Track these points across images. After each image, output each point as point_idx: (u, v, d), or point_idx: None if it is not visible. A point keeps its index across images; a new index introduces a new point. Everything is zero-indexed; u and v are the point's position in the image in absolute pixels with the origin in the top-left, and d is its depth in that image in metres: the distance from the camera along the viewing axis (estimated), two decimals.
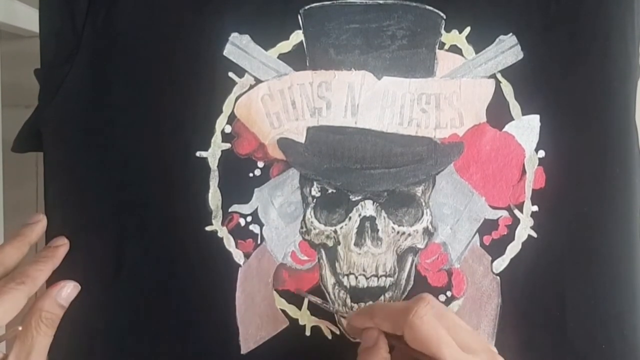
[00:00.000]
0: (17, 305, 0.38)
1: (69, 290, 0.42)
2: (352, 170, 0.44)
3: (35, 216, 0.43)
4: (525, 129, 0.44)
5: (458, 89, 0.44)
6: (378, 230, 0.44)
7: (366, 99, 0.44)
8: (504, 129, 0.44)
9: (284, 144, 0.44)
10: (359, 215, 0.44)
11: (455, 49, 0.44)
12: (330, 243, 0.44)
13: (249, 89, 0.44)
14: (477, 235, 0.44)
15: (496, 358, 0.37)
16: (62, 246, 0.43)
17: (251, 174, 0.44)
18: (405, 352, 0.38)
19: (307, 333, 0.44)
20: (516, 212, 0.44)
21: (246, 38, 0.44)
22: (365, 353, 0.39)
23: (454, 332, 0.36)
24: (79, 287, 0.42)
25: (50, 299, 0.41)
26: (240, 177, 0.44)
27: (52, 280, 0.43)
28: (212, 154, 0.44)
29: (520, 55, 0.44)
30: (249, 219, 0.44)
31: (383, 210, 0.44)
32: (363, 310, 0.41)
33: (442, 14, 0.44)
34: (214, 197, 0.44)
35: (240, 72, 0.44)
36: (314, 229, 0.44)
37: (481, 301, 0.44)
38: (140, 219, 0.44)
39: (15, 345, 0.39)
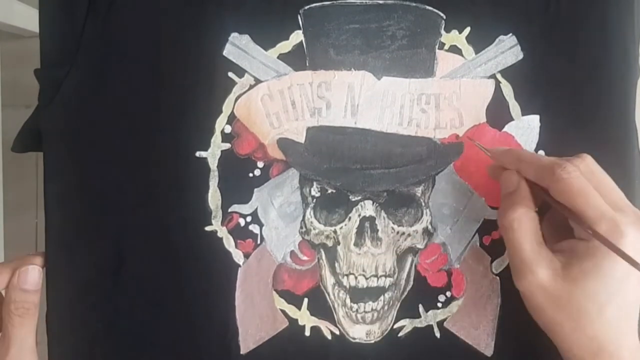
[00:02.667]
0: None
1: (31, 274, 0.41)
2: (351, 170, 0.44)
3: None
4: (525, 129, 0.44)
5: (458, 89, 0.44)
6: (378, 230, 0.44)
7: (366, 99, 0.44)
8: (503, 129, 0.44)
9: (284, 144, 0.44)
10: (359, 215, 0.44)
11: (455, 49, 0.44)
12: (329, 243, 0.44)
13: (248, 89, 0.44)
14: (476, 235, 0.44)
15: None
16: (34, 258, 0.42)
17: (251, 174, 0.44)
18: (546, 202, 0.38)
19: (307, 333, 0.44)
20: None
21: (246, 38, 0.44)
22: (509, 197, 0.39)
23: (604, 190, 0.36)
24: (40, 269, 0.42)
25: (14, 288, 0.40)
26: (240, 177, 0.44)
27: (54, 276, 0.43)
28: (212, 154, 0.44)
29: (520, 56, 0.44)
30: (248, 219, 0.44)
31: (383, 211, 0.44)
32: (510, 150, 0.41)
33: (442, 14, 0.44)
34: (214, 197, 0.44)
35: (240, 72, 0.44)
36: (314, 229, 0.44)
37: (481, 301, 0.44)
38: (140, 219, 0.44)
39: None
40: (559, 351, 0.37)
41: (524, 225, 0.37)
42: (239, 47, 0.44)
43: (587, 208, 0.35)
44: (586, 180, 0.36)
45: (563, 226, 0.39)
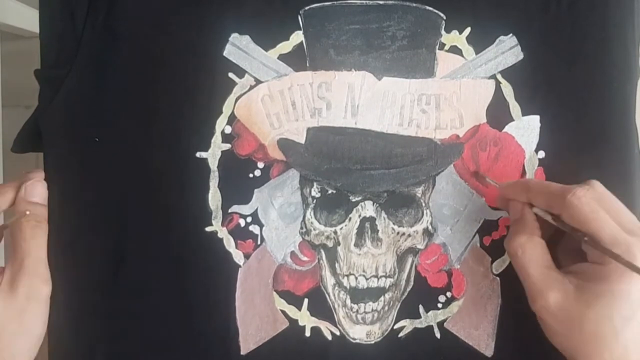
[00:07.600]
0: None
1: (37, 186, 0.42)
2: (352, 170, 0.44)
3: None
4: (525, 129, 0.44)
5: (458, 90, 0.44)
6: (378, 230, 0.44)
7: (366, 100, 0.44)
8: (504, 130, 0.44)
9: (284, 144, 0.44)
10: (359, 215, 0.44)
11: (455, 50, 0.44)
12: (330, 244, 0.44)
13: (249, 90, 0.44)
14: (477, 235, 0.44)
15: None
16: (36, 174, 0.43)
17: (251, 175, 0.44)
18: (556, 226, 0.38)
19: (307, 334, 0.44)
20: None
21: (246, 39, 0.44)
22: (515, 224, 0.40)
23: (615, 215, 0.36)
24: (44, 182, 0.42)
25: (21, 201, 0.41)
26: (240, 178, 0.44)
27: (54, 277, 0.43)
28: (212, 155, 0.44)
29: (521, 56, 0.44)
30: (248, 219, 0.44)
31: (383, 211, 0.44)
32: (518, 182, 0.42)
33: (442, 15, 0.44)
34: (214, 198, 0.44)
35: (240, 72, 0.44)
36: (314, 229, 0.44)
37: (481, 302, 0.44)
38: (140, 220, 0.44)
39: (9, 256, 0.39)
40: None
41: (528, 251, 0.38)
42: (239, 48, 0.44)
43: (600, 232, 0.35)
44: (596, 204, 0.36)
45: (577, 250, 0.39)
